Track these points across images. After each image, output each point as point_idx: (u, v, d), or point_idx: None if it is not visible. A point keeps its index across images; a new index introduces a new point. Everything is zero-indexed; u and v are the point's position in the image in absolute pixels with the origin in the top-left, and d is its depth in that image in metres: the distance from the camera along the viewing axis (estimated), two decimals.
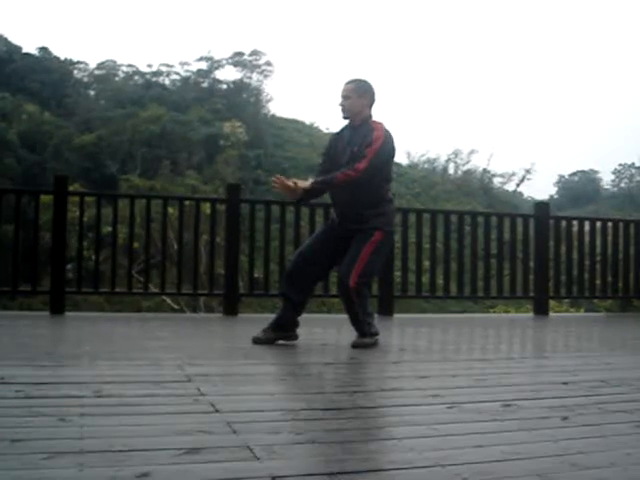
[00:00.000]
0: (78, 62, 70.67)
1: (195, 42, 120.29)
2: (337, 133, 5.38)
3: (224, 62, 65.47)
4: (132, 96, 60.08)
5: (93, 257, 7.53)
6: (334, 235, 5.27)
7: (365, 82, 5.28)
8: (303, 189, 5.09)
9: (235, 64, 65.15)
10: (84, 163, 46.60)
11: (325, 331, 6.56)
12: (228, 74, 65.57)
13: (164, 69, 67.22)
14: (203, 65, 66.23)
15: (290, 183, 5.08)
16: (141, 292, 8.39)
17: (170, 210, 8.04)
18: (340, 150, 5.19)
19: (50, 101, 58.31)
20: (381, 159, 5.08)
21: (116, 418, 2.71)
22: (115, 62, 68.84)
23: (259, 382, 3.66)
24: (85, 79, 69.81)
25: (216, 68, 65.69)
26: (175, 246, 8.35)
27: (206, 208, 8.05)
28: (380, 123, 5.18)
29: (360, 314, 5.16)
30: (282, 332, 5.21)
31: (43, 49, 70.38)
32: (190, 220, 7.75)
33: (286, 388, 3.55)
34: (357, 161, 4.98)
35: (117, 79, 67.31)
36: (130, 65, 68.54)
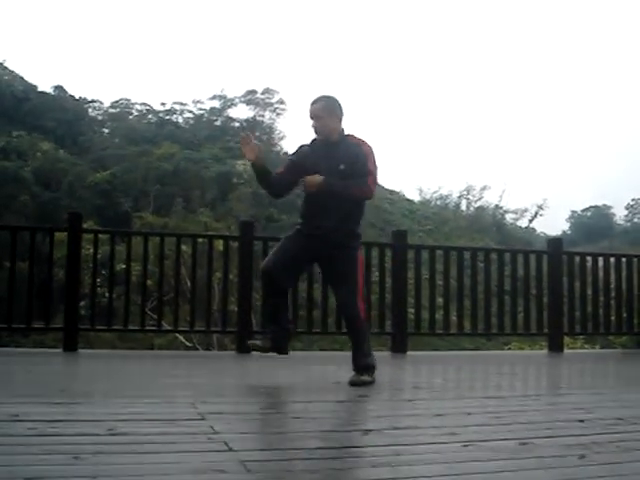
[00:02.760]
0: (93, 101, 71.39)
1: (208, 81, 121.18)
2: (308, 146, 5.28)
3: (237, 100, 66.01)
4: (146, 134, 60.57)
5: (106, 294, 7.54)
6: (307, 249, 5.18)
7: (331, 98, 5.28)
8: (260, 160, 5.19)
9: (248, 102, 65.65)
10: (98, 200, 46.88)
11: (339, 369, 6.51)
12: (241, 112, 65.87)
13: (177, 107, 67.79)
14: (216, 103, 66.78)
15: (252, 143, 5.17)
16: (154, 329, 8.39)
17: (183, 247, 8.07)
18: (312, 164, 5.08)
19: (65, 139, 58.80)
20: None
21: (130, 456, 2.70)
22: (129, 100, 69.46)
23: (273, 420, 3.64)
24: (99, 117, 70.43)
25: (229, 106, 66.21)
26: (188, 283, 8.35)
27: (219, 245, 8.07)
28: (359, 137, 5.21)
29: (367, 345, 5.15)
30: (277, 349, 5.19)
31: (58, 88, 71.09)
32: (203, 257, 7.76)
33: (300, 426, 3.52)
34: (365, 179, 5.01)
35: (131, 117, 67.90)
36: (144, 103, 69.13)
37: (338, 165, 5.02)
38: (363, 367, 5.08)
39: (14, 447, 2.89)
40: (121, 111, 68.93)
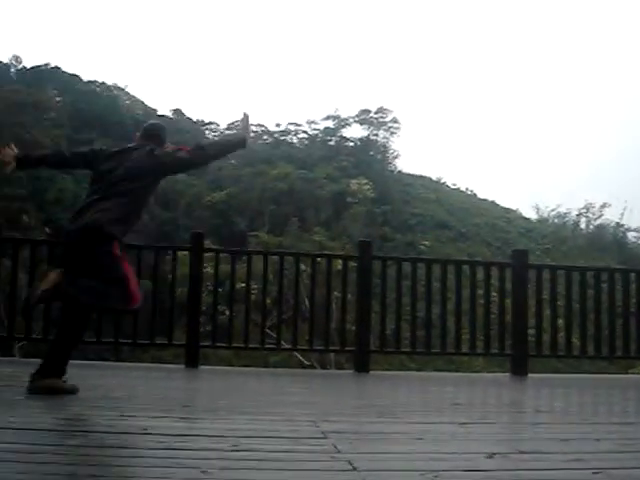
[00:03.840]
0: (209, 123, 73.22)
1: (322, 101, 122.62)
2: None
3: (350, 120, 66.33)
4: (261, 155, 61.58)
5: (226, 312, 7.68)
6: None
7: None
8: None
9: (361, 122, 65.86)
10: (214, 220, 47.94)
11: (457, 390, 6.44)
12: (355, 132, 66.19)
13: (292, 128, 68.71)
14: (330, 123, 67.27)
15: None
16: (273, 347, 8.47)
17: (302, 267, 8.12)
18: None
19: None
20: None
21: (255, 472, 2.74)
22: None
23: (395, 441, 3.62)
24: (216, 139, 72.03)
25: (343, 126, 66.58)
26: (306, 302, 8.43)
27: (337, 264, 8.10)
28: None
29: None
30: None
31: (177, 111, 73.32)
32: (321, 276, 7.81)
33: (422, 448, 3.49)
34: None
35: None
36: (259, 125, 70.35)
37: None
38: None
39: (144, 459, 2.98)
40: (237, 132, 70.21)
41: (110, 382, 5.92)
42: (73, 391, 4.76)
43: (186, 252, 7.69)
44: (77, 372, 6.56)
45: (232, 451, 3.17)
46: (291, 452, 3.20)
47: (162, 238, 40.92)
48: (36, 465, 2.83)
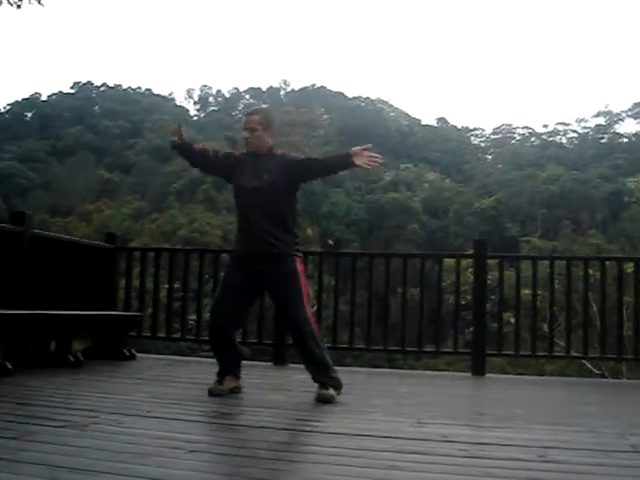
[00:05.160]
0: (475, 129, 73.27)
1: (591, 97, 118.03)
2: (238, 155, 5.12)
3: (623, 115, 63.41)
4: (529, 157, 60.54)
5: (512, 320, 7.58)
6: (244, 275, 4.97)
7: (268, 112, 5.30)
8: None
9: (635, 116, 62.70)
10: (484, 226, 47.69)
11: None
12: (629, 127, 63.36)
13: (560, 128, 66.86)
14: (601, 120, 64.73)
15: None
16: (562, 355, 8.21)
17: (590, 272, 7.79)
18: (239, 173, 4.99)
19: (449, 168, 60.90)
20: None
21: None
22: (510, 125, 70.12)
23: None
24: (482, 144, 71.99)
25: (615, 122, 63.81)
26: (594, 308, 8.09)
27: (628, 268, 7.68)
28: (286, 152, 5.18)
29: (325, 356, 4.93)
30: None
31: (441, 119, 74.13)
32: (610, 281, 7.45)
33: None
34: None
35: (513, 142, 68.45)
36: (526, 127, 69.35)
37: (262, 175, 4.92)
38: (327, 381, 4.89)
39: (449, 467, 3.00)
40: (503, 136, 69.87)
41: (399, 390, 6.04)
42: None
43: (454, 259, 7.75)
44: (363, 379, 6.79)
45: (539, 462, 3.11)
46: (602, 465, 3.08)
47: (431, 246, 41.44)
48: (349, 468, 2.94)
